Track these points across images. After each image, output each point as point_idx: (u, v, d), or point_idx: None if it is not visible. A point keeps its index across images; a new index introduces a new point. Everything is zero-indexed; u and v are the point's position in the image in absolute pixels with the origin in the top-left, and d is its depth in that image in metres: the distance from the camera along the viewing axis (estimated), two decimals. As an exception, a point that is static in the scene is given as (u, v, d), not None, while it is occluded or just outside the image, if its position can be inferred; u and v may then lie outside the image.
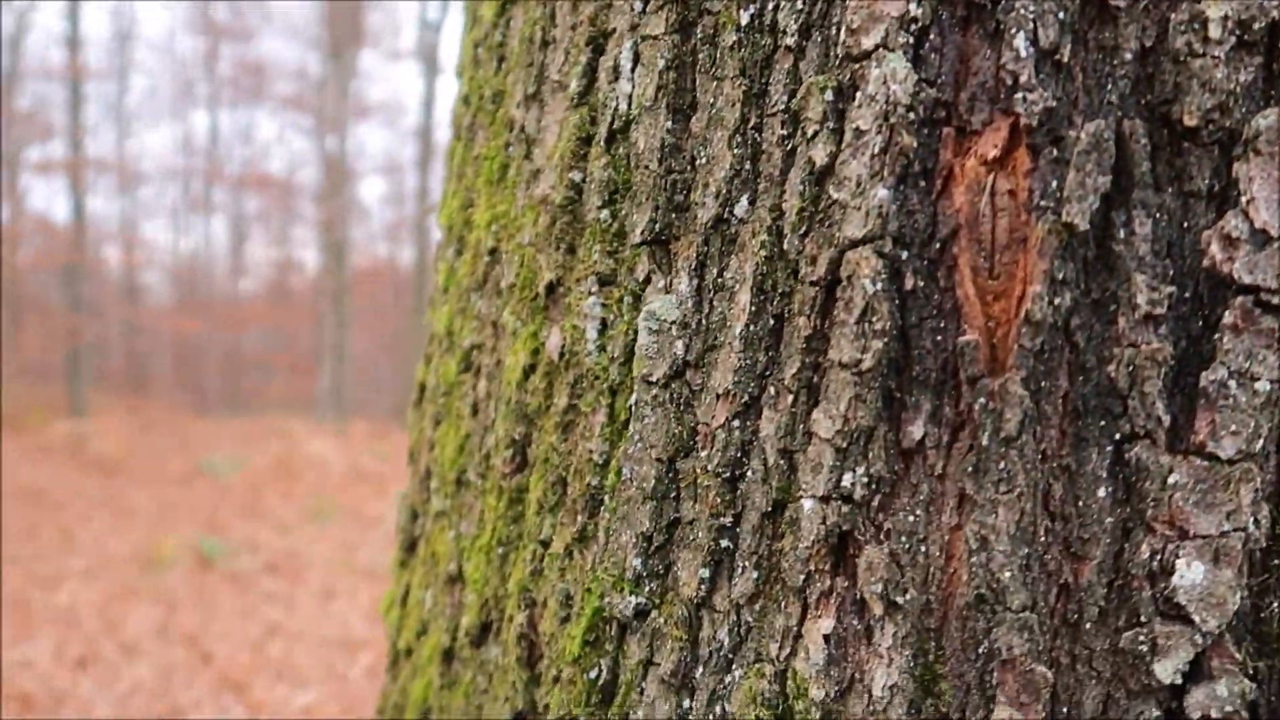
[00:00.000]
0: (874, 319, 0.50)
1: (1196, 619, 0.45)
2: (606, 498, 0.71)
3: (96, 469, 16.17)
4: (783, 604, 0.56)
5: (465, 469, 0.93)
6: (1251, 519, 0.45)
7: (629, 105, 0.70)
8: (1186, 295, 0.46)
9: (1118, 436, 0.47)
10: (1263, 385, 0.44)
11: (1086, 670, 0.48)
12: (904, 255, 0.50)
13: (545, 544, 0.78)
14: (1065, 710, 0.48)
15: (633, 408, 0.67)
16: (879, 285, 0.50)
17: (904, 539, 0.51)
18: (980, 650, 0.49)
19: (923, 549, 0.50)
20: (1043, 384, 0.47)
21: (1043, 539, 0.48)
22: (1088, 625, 0.48)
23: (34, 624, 9.88)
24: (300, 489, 15.34)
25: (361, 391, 25.06)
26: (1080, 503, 0.48)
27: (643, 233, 0.67)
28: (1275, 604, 0.46)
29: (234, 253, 28.72)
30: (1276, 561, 0.46)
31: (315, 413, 20.96)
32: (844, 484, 0.52)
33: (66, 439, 16.70)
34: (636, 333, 0.68)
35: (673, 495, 0.65)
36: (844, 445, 0.52)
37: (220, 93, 25.78)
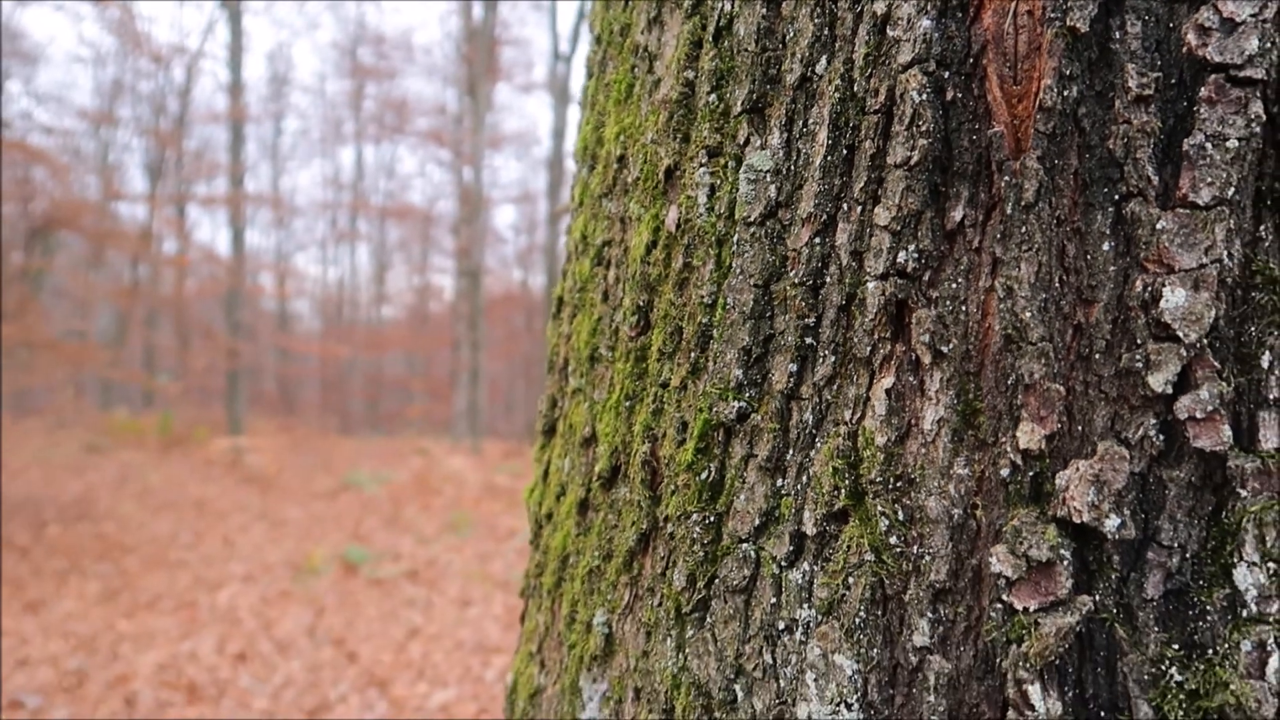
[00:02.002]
0: (920, 123, 0.63)
1: (1180, 334, 0.55)
2: (714, 332, 0.85)
3: (253, 483, 17.22)
4: (854, 377, 0.69)
5: (598, 346, 1.08)
6: (1225, 253, 0.55)
7: (732, 5, 0.84)
8: (1172, 81, 0.57)
9: (1117, 198, 0.58)
10: (1232, 143, 0.55)
11: (1097, 393, 0.59)
12: (945, 74, 0.63)
13: (664, 385, 0.93)
14: (1080, 428, 0.59)
15: (734, 248, 0.82)
16: (924, 96, 0.62)
17: (948, 302, 0.63)
18: (1009, 383, 0.61)
19: (963, 308, 0.63)
20: (1056, 161, 0.59)
21: (1058, 288, 0.59)
22: (1097, 356, 0.59)
23: (200, 622, 10.62)
24: (438, 503, 15.95)
25: (495, 413, 25.89)
26: (1089, 256, 0.59)
27: (743, 104, 0.81)
28: (1253, 329, 0.56)
29: (377, 280, 30.28)
30: (1253, 295, 0.56)
31: (451, 433, 21.76)
32: (899, 261, 0.65)
33: (226, 455, 17.86)
34: (738, 188, 0.83)
35: (767, 315, 0.79)
36: (898, 229, 0.65)
37: (365, 130, 27.36)
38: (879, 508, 0.66)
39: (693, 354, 0.88)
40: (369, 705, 8.45)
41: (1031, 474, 0.60)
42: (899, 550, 0.65)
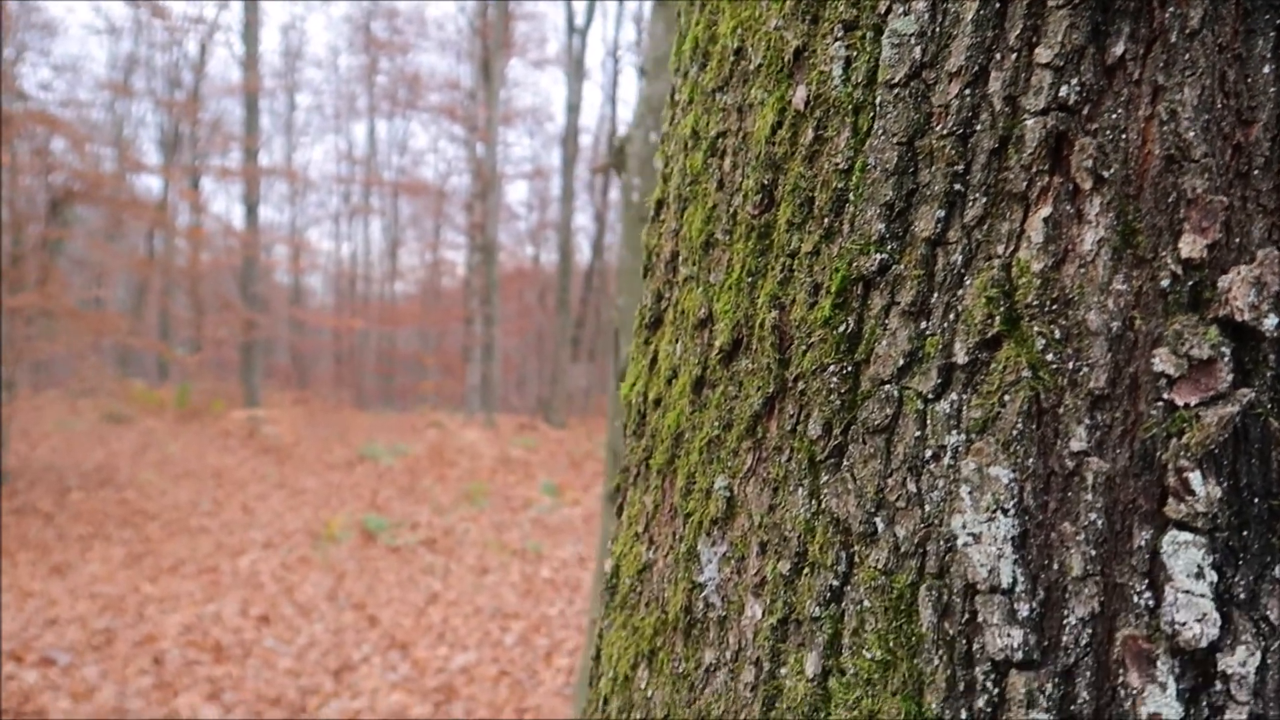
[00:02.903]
0: (1085, -38, 0.68)
1: (1341, 143, 0.61)
2: (851, 195, 0.90)
3: (270, 454, 17.34)
4: (1007, 214, 0.75)
5: (712, 233, 1.14)
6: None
7: (869, -117, 0.89)
8: (1333, -86, 0.62)
9: (1279, 23, 0.63)
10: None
11: (1255, 207, 0.64)
12: (1108, -82, 0.68)
13: (793, 255, 0.98)
14: (1238, 240, 0.65)
15: (876, 110, 0.87)
16: (1089, -62, 0.67)
17: (1109, 131, 0.68)
18: (1169, 201, 0.66)
19: (1123, 136, 0.68)
20: (1220, -9, 0.64)
21: (1219, 110, 0.64)
22: (1255, 172, 0.64)
23: (222, 586, 10.75)
24: (453, 474, 16.06)
25: (507, 388, 26.03)
26: (1249, 80, 0.64)
27: (884, -27, 0.86)
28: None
29: (390, 256, 30.33)
30: None
31: (464, 408, 21.89)
32: (1060, 95, 0.70)
33: (243, 426, 18.01)
34: (878, 59, 0.88)
35: (911, 170, 0.84)
36: (1060, 65, 0.70)
37: (379, 105, 27.32)
38: (1036, 329, 0.72)
39: (826, 220, 0.93)
40: (392, 666, 8.58)
41: (1191, 283, 0.65)
42: (1055, 366, 0.71)
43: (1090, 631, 0.69)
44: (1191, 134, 0.64)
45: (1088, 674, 0.69)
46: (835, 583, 0.89)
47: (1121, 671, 0.67)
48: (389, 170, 29.06)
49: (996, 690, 0.73)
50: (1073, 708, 0.70)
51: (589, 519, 13.87)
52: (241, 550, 12.15)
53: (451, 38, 25.57)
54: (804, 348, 0.95)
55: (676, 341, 1.21)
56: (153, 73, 23.91)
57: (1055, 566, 0.71)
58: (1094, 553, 0.69)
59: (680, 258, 1.22)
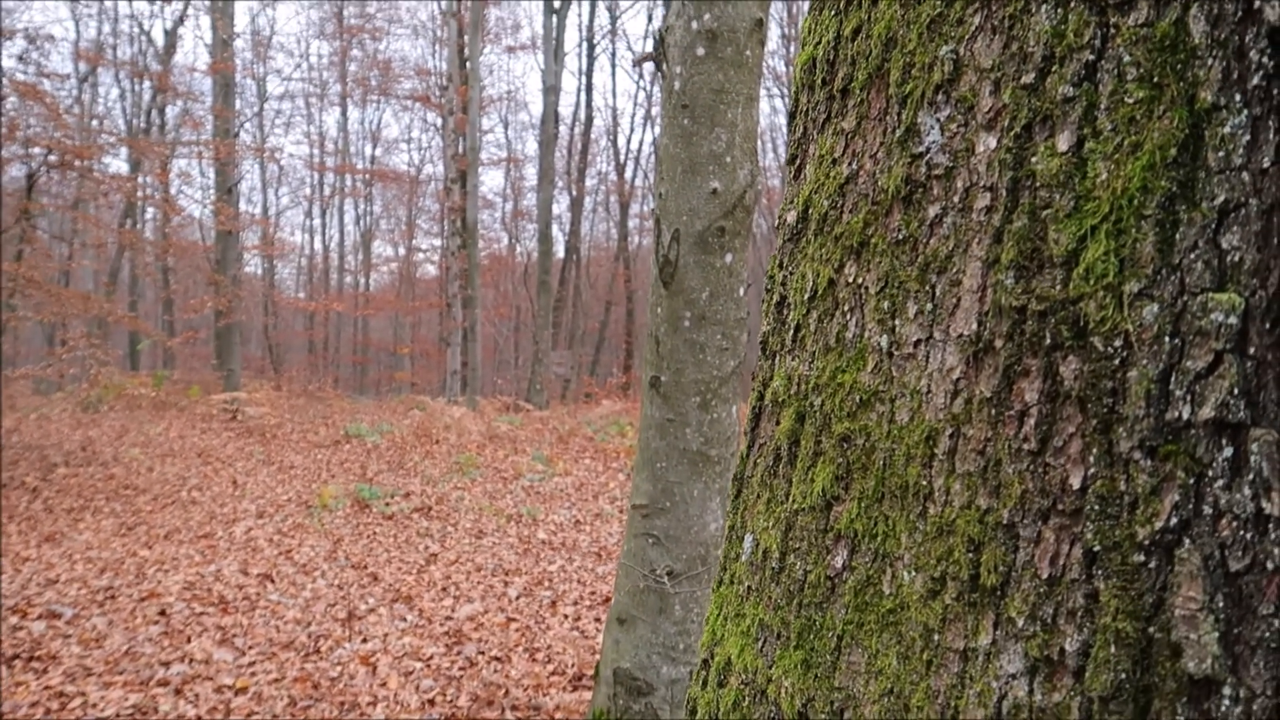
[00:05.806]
0: None
1: None
2: None
3: (253, 435, 17.22)
4: None
5: None
6: None
7: None
8: None
9: None
10: None
11: None
12: None
13: None
14: None
15: None
16: None
17: None
18: None
19: None
20: None
21: None
22: None
23: (219, 550, 10.69)
24: (441, 450, 16.05)
25: (487, 374, 26.01)
26: None
27: None
28: None
29: (363, 246, 30.10)
30: None
31: (445, 393, 21.88)
32: None
33: (224, 410, 17.86)
34: None
35: None
36: None
37: (351, 92, 27.11)
38: None
39: None
40: (400, 616, 8.61)
41: None
42: None
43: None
44: None
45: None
46: (1090, 57, 1.02)
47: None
48: (361, 160, 28.89)
49: (1272, 61, 0.87)
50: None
51: (581, 488, 13.97)
52: (235, 519, 12.10)
53: (424, 23, 25.54)
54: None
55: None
56: (120, 65, 23.70)
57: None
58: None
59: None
